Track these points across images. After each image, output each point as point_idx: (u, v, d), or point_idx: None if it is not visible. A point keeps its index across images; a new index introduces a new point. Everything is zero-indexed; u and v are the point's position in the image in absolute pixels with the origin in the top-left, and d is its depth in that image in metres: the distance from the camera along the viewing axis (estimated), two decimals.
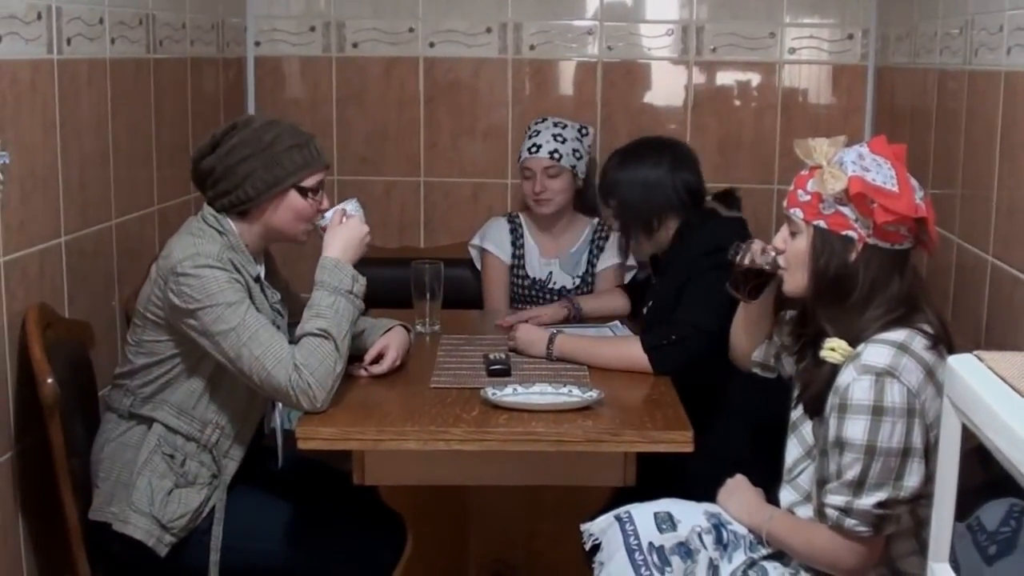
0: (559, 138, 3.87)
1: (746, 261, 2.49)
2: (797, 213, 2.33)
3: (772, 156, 4.30)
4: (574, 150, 3.89)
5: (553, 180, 3.86)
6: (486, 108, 4.37)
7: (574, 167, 3.89)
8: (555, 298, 3.93)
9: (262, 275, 2.81)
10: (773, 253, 2.43)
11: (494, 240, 4.02)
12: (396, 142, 4.40)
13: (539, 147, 3.85)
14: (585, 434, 2.54)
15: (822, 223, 2.29)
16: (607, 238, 3.98)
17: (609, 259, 3.96)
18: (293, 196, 2.73)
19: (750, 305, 2.62)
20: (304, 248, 4.39)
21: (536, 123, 3.95)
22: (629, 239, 3.29)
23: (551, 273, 3.97)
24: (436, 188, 4.43)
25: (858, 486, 2.18)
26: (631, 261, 3.99)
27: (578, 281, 3.95)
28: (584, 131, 3.97)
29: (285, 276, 3.08)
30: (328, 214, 2.79)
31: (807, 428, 2.38)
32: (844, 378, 2.20)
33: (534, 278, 3.98)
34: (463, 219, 4.39)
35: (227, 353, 2.58)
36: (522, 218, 4.06)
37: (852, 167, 2.25)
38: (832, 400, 2.22)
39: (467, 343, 3.26)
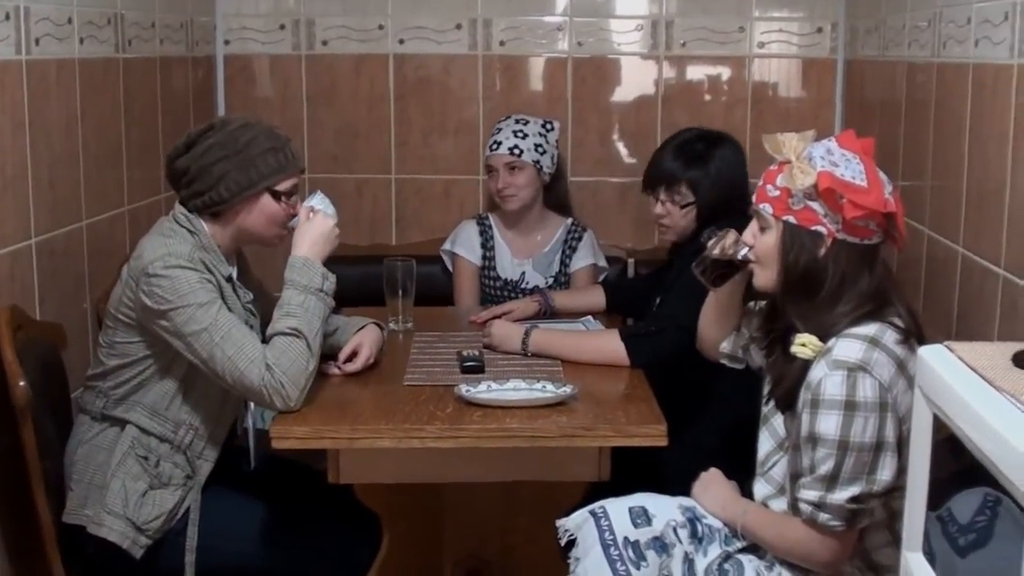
0: (519, 134, 3.87)
1: (716, 251, 2.51)
2: (766, 208, 2.33)
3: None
4: (536, 145, 3.88)
5: (515, 175, 3.86)
6: (456, 105, 4.37)
7: (537, 162, 3.88)
8: None
9: (234, 275, 2.80)
10: (745, 248, 2.44)
11: (464, 244, 4.02)
12: (367, 140, 4.39)
13: (499, 144, 3.85)
14: (559, 429, 2.54)
15: (791, 218, 2.29)
16: (580, 238, 3.98)
17: (583, 259, 3.96)
18: (266, 199, 2.73)
19: (719, 295, 2.64)
20: (276, 247, 4.41)
21: (499, 121, 3.96)
22: (702, 214, 3.16)
23: (524, 274, 3.97)
24: (407, 185, 4.42)
25: (831, 481, 2.19)
26: (603, 262, 4.00)
27: (551, 282, 3.96)
28: (549, 126, 3.96)
29: (257, 276, 3.07)
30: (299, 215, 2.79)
31: (778, 421, 2.39)
32: (816, 373, 2.20)
33: (505, 279, 3.98)
34: (435, 216, 4.39)
35: (199, 354, 2.57)
36: (492, 219, 4.06)
37: (821, 162, 2.26)
38: (804, 395, 2.23)
39: (440, 340, 3.26)
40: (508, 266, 3.99)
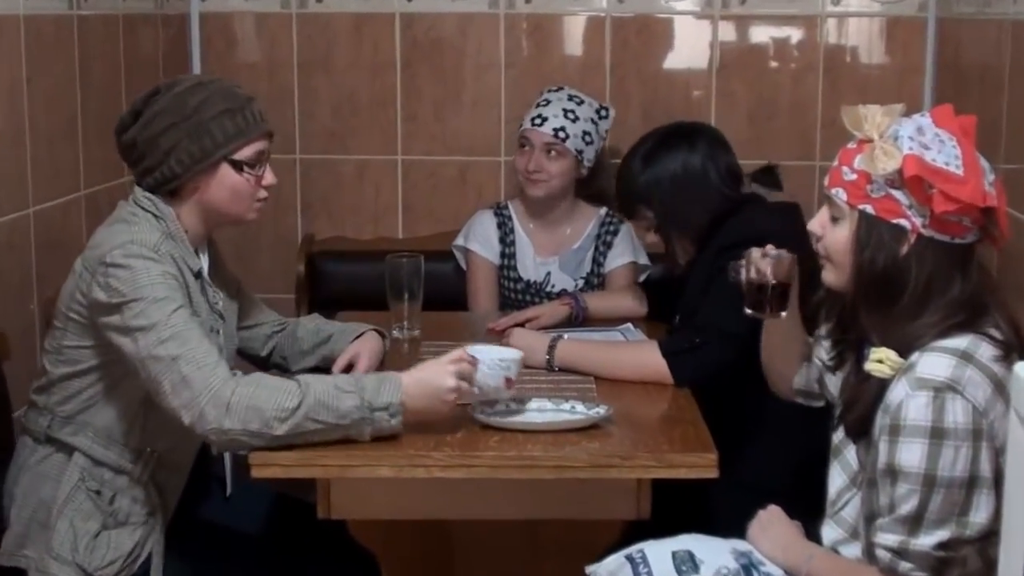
0: (570, 114, 3.86)
1: (751, 275, 2.55)
2: (840, 194, 2.31)
3: (813, 127, 4.29)
4: (584, 132, 3.88)
5: (552, 161, 3.86)
6: (475, 73, 4.36)
7: (580, 152, 3.87)
8: None
9: (204, 270, 2.79)
10: (768, 264, 2.50)
11: (479, 237, 4.02)
12: (369, 114, 4.39)
13: (544, 119, 3.85)
14: (591, 458, 2.53)
15: (869, 208, 2.27)
16: (617, 232, 3.97)
17: (620, 256, 3.95)
18: (225, 171, 2.71)
19: (771, 324, 2.66)
20: (261, 241, 4.42)
21: (549, 91, 3.95)
22: (672, 246, 3.26)
23: (549, 274, 3.97)
24: (416, 168, 4.42)
25: (915, 523, 2.16)
26: (644, 259, 3.98)
27: (581, 283, 3.95)
28: (603, 112, 3.96)
29: (236, 274, 3.06)
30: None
31: (851, 453, 2.37)
32: (896, 394, 2.18)
33: (528, 280, 3.97)
34: (448, 205, 4.39)
35: (139, 353, 2.53)
36: (512, 209, 4.05)
37: (909, 143, 2.23)
38: (881, 420, 2.20)
39: (451, 350, 3.24)
40: (531, 265, 3.98)
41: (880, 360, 2.24)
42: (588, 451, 2.55)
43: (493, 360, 2.67)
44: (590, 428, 2.64)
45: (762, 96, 4.29)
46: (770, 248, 2.57)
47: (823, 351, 2.57)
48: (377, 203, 4.44)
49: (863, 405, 2.28)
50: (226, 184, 2.72)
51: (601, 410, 2.68)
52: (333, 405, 2.50)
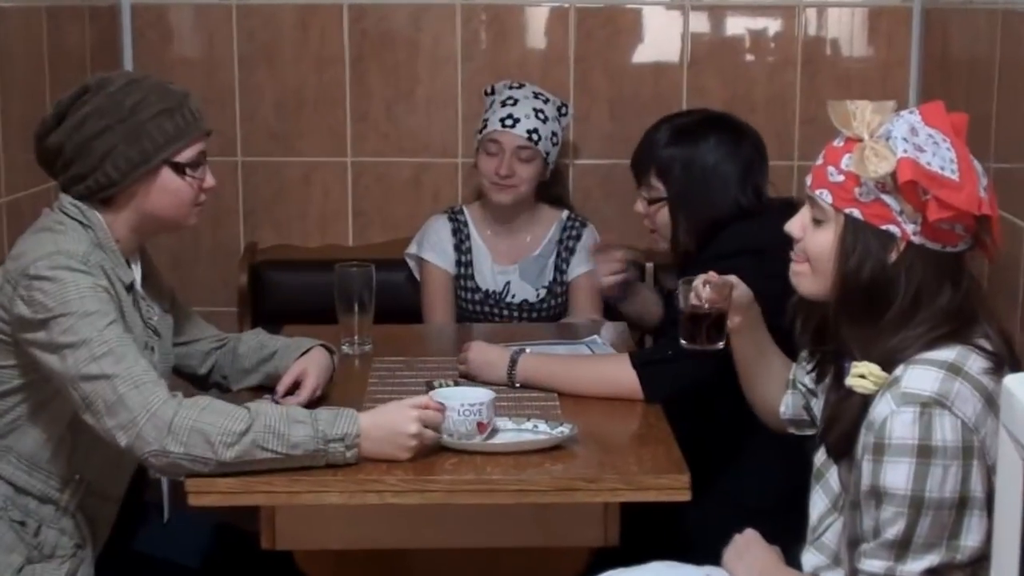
0: (540, 115, 3.88)
1: (686, 308, 2.62)
2: (824, 196, 2.29)
3: (791, 124, 4.31)
4: (552, 133, 3.92)
5: (523, 165, 3.88)
6: (429, 68, 4.36)
7: (547, 154, 3.90)
8: (514, 314, 3.92)
9: (137, 282, 2.78)
10: (707, 288, 2.56)
11: (433, 245, 4.03)
12: (315, 113, 4.39)
13: (516, 121, 3.86)
14: (554, 481, 2.53)
15: (856, 212, 2.26)
16: (579, 237, 3.98)
17: (583, 263, 3.96)
18: (167, 175, 2.70)
19: (742, 354, 2.69)
20: (199, 250, 4.41)
21: (511, 87, 3.96)
22: (675, 226, 3.23)
23: (508, 284, 3.97)
24: (367, 171, 4.42)
25: (902, 548, 2.16)
26: None
27: (543, 293, 3.95)
28: (564, 110, 3.99)
29: (170, 284, 3.04)
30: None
31: (833, 475, 2.37)
32: (880, 411, 2.18)
33: (486, 290, 3.98)
34: (401, 210, 4.39)
35: (68, 371, 2.51)
36: (467, 214, 4.06)
37: (903, 144, 2.20)
38: (865, 439, 2.20)
39: (405, 367, 3.25)
40: (489, 274, 3.99)
41: (862, 375, 2.23)
42: (551, 473, 2.55)
43: (463, 405, 2.65)
44: (554, 449, 2.64)
45: (737, 91, 4.31)
46: (712, 275, 2.60)
47: (806, 376, 2.58)
48: (325, 208, 4.43)
49: (845, 423, 2.28)
50: (168, 189, 2.71)
51: (565, 429, 2.67)
52: (284, 433, 2.49)
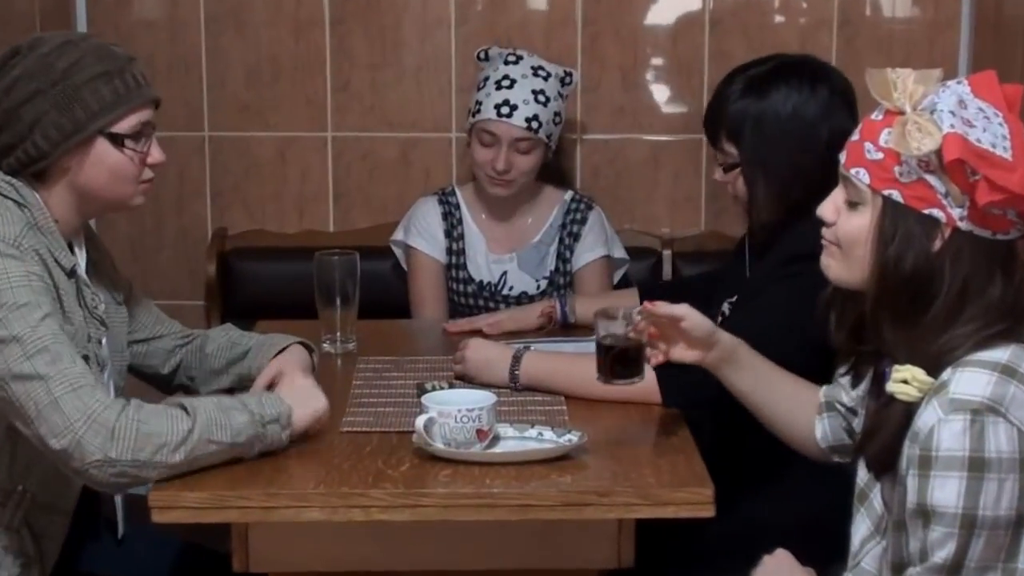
0: (540, 97, 3.86)
1: (602, 336, 2.70)
2: (861, 175, 2.28)
3: None
4: (555, 114, 3.89)
5: (524, 157, 3.87)
6: (419, 32, 4.38)
7: (549, 137, 3.89)
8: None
9: (80, 268, 2.78)
10: (632, 318, 2.62)
11: (421, 231, 4.03)
12: (292, 82, 4.40)
13: (513, 108, 3.83)
14: (562, 495, 2.53)
15: (896, 194, 2.25)
16: (585, 220, 3.98)
17: (590, 250, 3.97)
18: (102, 147, 2.68)
19: (734, 388, 2.71)
20: (161, 237, 4.42)
21: (506, 60, 3.93)
22: (753, 195, 3.19)
23: (504, 275, 3.97)
24: (350, 147, 4.43)
25: (952, 572, 2.16)
26: (620, 252, 3.99)
27: (543, 284, 3.95)
28: (568, 79, 3.98)
29: (127, 276, 3.05)
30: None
31: (877, 495, 2.37)
32: (926, 419, 2.16)
33: (480, 281, 3.98)
34: (388, 191, 4.40)
35: None
36: (459, 195, 4.06)
37: (950, 119, 2.19)
38: (910, 451, 2.19)
39: (394, 367, 3.26)
40: (483, 264, 3.99)
41: (905, 380, 2.22)
42: (559, 486, 2.55)
43: (460, 410, 2.66)
44: (561, 459, 2.64)
45: (762, 55, 4.30)
46: (656, 306, 2.63)
47: (844, 394, 2.58)
48: (303, 190, 4.45)
49: (885, 434, 2.27)
50: (104, 163, 2.69)
51: (574, 437, 2.68)
52: (225, 422, 2.54)
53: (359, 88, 4.40)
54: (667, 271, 4.27)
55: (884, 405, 2.29)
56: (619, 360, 2.68)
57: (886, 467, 2.30)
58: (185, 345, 3.10)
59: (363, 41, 4.37)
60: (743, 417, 2.90)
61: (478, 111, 3.88)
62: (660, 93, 4.39)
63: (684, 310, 2.64)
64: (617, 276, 4.05)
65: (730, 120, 3.18)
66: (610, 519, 2.58)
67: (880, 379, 2.30)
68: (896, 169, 2.23)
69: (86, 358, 2.62)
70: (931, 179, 2.21)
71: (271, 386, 2.93)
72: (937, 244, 2.22)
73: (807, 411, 2.67)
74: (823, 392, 2.67)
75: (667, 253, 4.28)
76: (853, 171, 2.29)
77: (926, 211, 2.22)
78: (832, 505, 2.51)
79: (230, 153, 4.42)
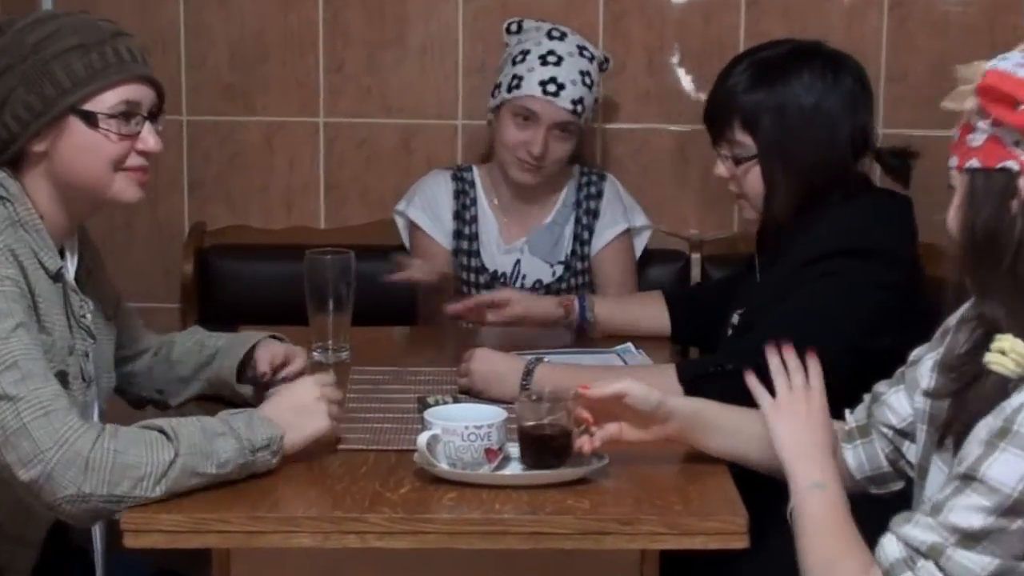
0: (587, 79, 3.89)
1: (524, 424, 2.67)
2: (952, 162, 2.31)
3: (875, 83, 4.23)
4: (595, 100, 3.95)
5: (561, 144, 3.90)
6: (423, 6, 4.40)
7: (585, 123, 3.94)
8: None
9: (69, 272, 2.78)
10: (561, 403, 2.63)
11: (429, 208, 4.05)
12: (280, 62, 4.42)
13: (560, 87, 3.85)
14: (580, 523, 2.54)
15: (975, 162, 2.27)
16: (601, 193, 4.01)
17: (612, 224, 4.00)
18: (75, 126, 2.67)
19: (712, 449, 2.73)
20: (133, 232, 4.42)
21: (551, 35, 3.94)
22: (771, 189, 3.23)
23: (518, 263, 3.98)
24: (344, 134, 4.45)
25: (969, 538, 2.16)
26: (642, 219, 4.00)
27: (560, 270, 3.97)
28: (605, 66, 4.03)
29: (116, 289, 3.05)
30: None
31: None
32: (1019, 399, 2.17)
33: (495, 271, 3.99)
34: (386, 183, 4.42)
35: None
36: (476, 174, 4.08)
37: (1002, 63, 2.23)
38: (990, 423, 2.18)
39: (392, 379, 3.28)
40: (496, 251, 4.01)
41: (1003, 350, 2.20)
42: (576, 513, 2.55)
43: (468, 428, 2.66)
44: (579, 483, 2.65)
45: (806, 37, 4.32)
46: (593, 389, 2.65)
47: (892, 414, 2.58)
48: (291, 181, 4.47)
49: (972, 411, 2.25)
50: (78, 145, 2.68)
51: (593, 459, 2.69)
52: (210, 451, 2.53)
53: (355, 69, 4.42)
54: (695, 276, 4.27)
55: (971, 381, 2.27)
56: (543, 448, 2.66)
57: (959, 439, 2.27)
58: (155, 356, 3.11)
59: (360, 16, 4.39)
60: None
61: (517, 86, 3.88)
62: (690, 78, 4.40)
63: (625, 385, 2.66)
64: (640, 246, 4.08)
65: (745, 108, 3.23)
66: (632, 550, 2.59)
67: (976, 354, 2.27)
68: (968, 138, 2.26)
69: (64, 374, 2.63)
70: (998, 132, 2.22)
71: (267, 386, 2.94)
72: (1015, 204, 2.22)
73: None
74: (850, 417, 2.68)
75: (695, 257, 4.30)
76: (950, 162, 2.31)
77: (999, 165, 2.23)
78: (875, 535, 2.52)
79: (211, 140, 4.44)
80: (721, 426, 2.74)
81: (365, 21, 4.38)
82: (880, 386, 2.62)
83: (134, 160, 2.75)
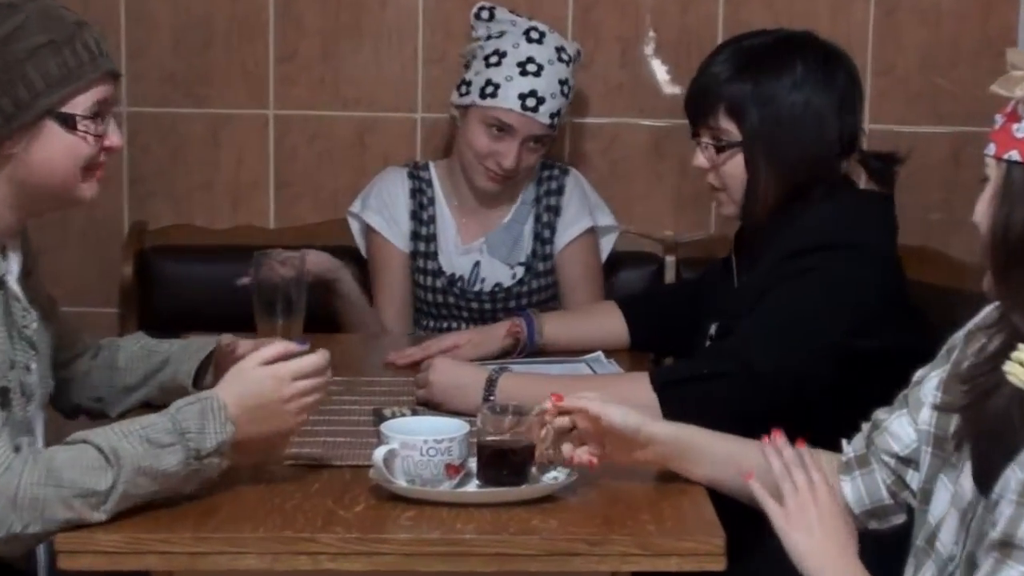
0: (565, 88, 3.90)
1: (484, 436, 2.67)
2: (989, 149, 2.30)
3: (861, 76, 4.30)
4: (569, 103, 3.96)
5: (533, 154, 3.92)
6: None
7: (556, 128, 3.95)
8: (485, 307, 3.95)
9: (12, 278, 2.78)
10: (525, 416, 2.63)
11: (385, 209, 4.05)
12: (227, 50, 4.42)
13: (541, 102, 3.85)
14: (546, 543, 2.54)
15: (1015, 154, 2.27)
16: (562, 189, 4.02)
17: (574, 222, 4.01)
18: (52, 129, 2.68)
19: (697, 476, 2.72)
20: (67, 231, 4.41)
21: (528, 36, 3.93)
22: (753, 181, 3.24)
23: (477, 266, 3.99)
24: (295, 128, 4.46)
25: None
26: (608, 218, 4.01)
27: (520, 272, 3.97)
28: (577, 58, 4.04)
29: (47, 290, 3.05)
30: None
31: (948, 530, 2.38)
32: None
33: (452, 275, 4.00)
34: (340, 180, 4.43)
35: None
36: (434, 172, 4.08)
37: None
38: (1013, 475, 2.16)
39: (346, 390, 3.29)
40: (453, 252, 4.01)
41: (1022, 362, 2.19)
42: (542, 533, 2.55)
43: (426, 442, 2.66)
44: (545, 500, 2.66)
45: (791, 26, 4.33)
46: (565, 402, 2.67)
47: (894, 441, 2.58)
48: (239, 177, 4.47)
49: (986, 426, 2.24)
50: (55, 148, 2.69)
51: (560, 475, 2.70)
52: (155, 468, 2.52)
53: (307, 58, 4.42)
54: (670, 280, 4.27)
55: (989, 391, 2.25)
56: (501, 463, 2.67)
57: (984, 479, 2.26)
58: (93, 360, 3.11)
59: (314, 2, 4.40)
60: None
61: (492, 94, 3.87)
62: (665, 70, 4.41)
63: (599, 408, 2.67)
64: (607, 248, 4.10)
65: (731, 95, 3.24)
66: (602, 572, 2.59)
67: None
68: (1014, 127, 2.25)
69: (5, 391, 2.63)
70: None
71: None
72: None
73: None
74: (848, 447, 2.68)
75: (670, 259, 4.30)
76: (986, 149, 2.30)
77: None
78: (878, 549, 2.53)
79: (152, 133, 4.43)
80: (707, 454, 2.74)
81: (319, 7, 4.38)
82: (880, 413, 2.62)
83: (100, 158, 2.77)
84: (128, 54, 4.37)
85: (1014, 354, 2.20)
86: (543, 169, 4.05)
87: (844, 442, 2.69)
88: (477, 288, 3.99)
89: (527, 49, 3.89)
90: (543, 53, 3.89)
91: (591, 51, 4.31)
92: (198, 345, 3.06)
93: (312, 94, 4.43)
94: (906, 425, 2.57)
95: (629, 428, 2.67)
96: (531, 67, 3.87)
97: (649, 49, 4.37)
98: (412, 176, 4.07)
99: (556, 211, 4.01)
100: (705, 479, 2.74)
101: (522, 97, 3.84)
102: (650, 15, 4.38)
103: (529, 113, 3.84)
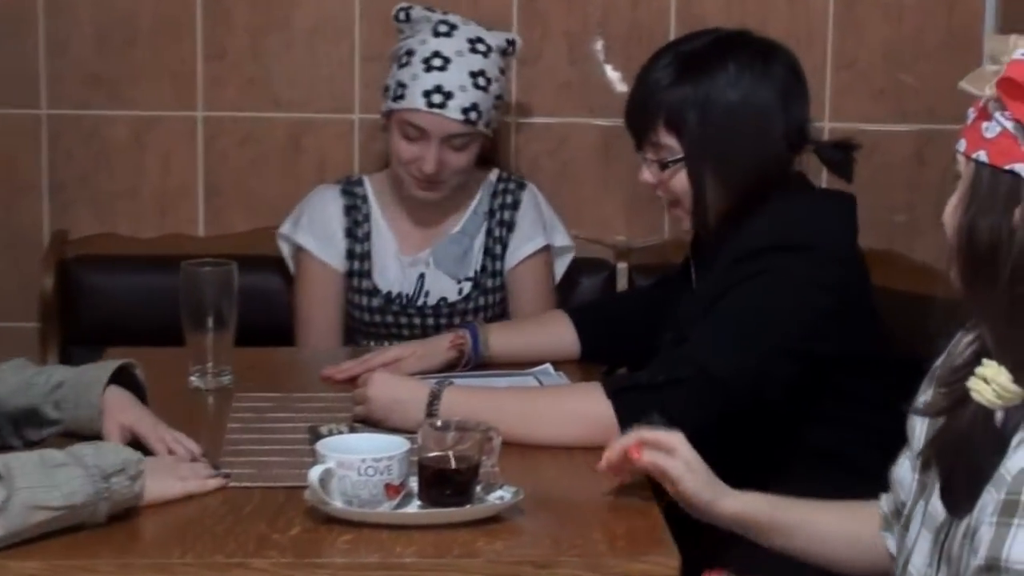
0: (480, 80, 3.87)
1: (425, 456, 2.68)
2: (959, 146, 2.30)
3: (821, 71, 4.32)
4: (496, 97, 3.92)
5: (458, 154, 3.88)
6: None
7: (488, 126, 3.92)
8: (428, 322, 3.96)
9: None
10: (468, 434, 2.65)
11: (317, 227, 4.04)
12: (152, 48, 4.40)
13: (447, 97, 3.83)
14: (491, 566, 2.54)
15: (983, 154, 2.27)
16: (517, 203, 4.01)
17: (528, 239, 4.01)
18: None
19: (744, 524, 2.69)
20: None
21: (436, 31, 3.92)
22: (699, 193, 3.26)
23: (422, 279, 3.97)
24: (226, 131, 4.45)
25: None
26: (564, 239, 4.01)
27: (467, 287, 3.97)
28: (510, 49, 4.01)
29: None
30: None
31: (921, 553, 2.38)
32: (1016, 461, 2.13)
33: (388, 293, 3.99)
34: (273, 186, 4.42)
35: None
36: (368, 187, 4.07)
37: None
38: (990, 498, 2.17)
39: (279, 406, 3.28)
40: (393, 269, 4.00)
41: (985, 378, 2.19)
42: (488, 555, 2.56)
43: (364, 460, 2.66)
44: (491, 521, 2.66)
45: (745, 23, 4.27)
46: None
47: (901, 490, 2.54)
48: (165, 183, 4.45)
49: (956, 433, 2.27)
50: None
51: (506, 494, 2.70)
52: (52, 484, 2.50)
53: (237, 56, 4.41)
54: (622, 288, 4.27)
55: (957, 404, 2.28)
56: (443, 483, 2.67)
57: (956, 501, 2.28)
58: None
59: None
60: (732, 456, 2.91)
61: (401, 96, 3.87)
62: (615, 67, 4.41)
63: (681, 472, 2.66)
64: (560, 270, 4.10)
65: (668, 107, 3.26)
66: None
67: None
68: (983, 125, 2.24)
69: None
70: (1016, 129, 2.21)
71: None
72: (1019, 213, 2.20)
73: (868, 530, 2.68)
74: (884, 502, 2.67)
75: (622, 266, 4.30)
76: (957, 145, 2.30)
77: (1008, 167, 2.21)
78: None
79: (73, 136, 4.41)
80: (789, 525, 2.70)
81: (249, 2, 4.37)
82: (894, 469, 2.63)
83: None
84: (47, 52, 4.36)
85: (978, 369, 2.20)
86: (499, 182, 4.05)
87: (881, 499, 2.67)
88: (421, 303, 3.98)
89: (434, 44, 3.88)
90: (451, 45, 3.88)
91: (538, 46, 4.32)
92: (92, 378, 2.99)
93: (242, 95, 4.42)
94: (907, 468, 2.56)
95: (702, 501, 2.66)
96: (436, 61, 3.85)
97: (598, 45, 4.38)
98: (345, 192, 4.06)
99: (510, 226, 4.01)
100: (796, 553, 2.71)
101: (427, 94, 3.82)
102: (599, 9, 4.37)
103: (437, 110, 3.82)
